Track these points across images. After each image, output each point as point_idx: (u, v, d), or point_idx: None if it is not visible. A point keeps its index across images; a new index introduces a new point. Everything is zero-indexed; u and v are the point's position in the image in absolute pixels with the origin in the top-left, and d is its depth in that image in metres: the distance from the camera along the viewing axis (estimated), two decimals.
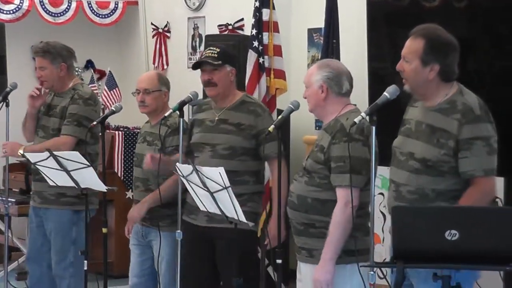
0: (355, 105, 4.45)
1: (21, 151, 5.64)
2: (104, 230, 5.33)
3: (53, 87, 5.91)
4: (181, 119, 4.94)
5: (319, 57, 7.01)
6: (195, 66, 5.14)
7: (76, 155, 5.12)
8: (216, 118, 5.05)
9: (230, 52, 5.24)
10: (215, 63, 5.02)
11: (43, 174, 5.33)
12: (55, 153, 5.10)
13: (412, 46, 4.02)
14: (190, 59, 8.59)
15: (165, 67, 8.87)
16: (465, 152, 3.89)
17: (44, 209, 5.89)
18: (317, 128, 7.04)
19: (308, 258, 4.30)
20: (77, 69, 9.18)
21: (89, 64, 9.36)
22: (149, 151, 5.32)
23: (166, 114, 5.02)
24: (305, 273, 4.36)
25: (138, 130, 7.96)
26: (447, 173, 3.95)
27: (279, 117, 4.44)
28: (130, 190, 7.64)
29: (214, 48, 5.10)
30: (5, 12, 8.43)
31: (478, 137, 3.89)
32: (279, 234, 4.42)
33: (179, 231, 4.97)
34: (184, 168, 4.52)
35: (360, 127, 4.13)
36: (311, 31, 7.50)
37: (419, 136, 4.02)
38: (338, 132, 4.18)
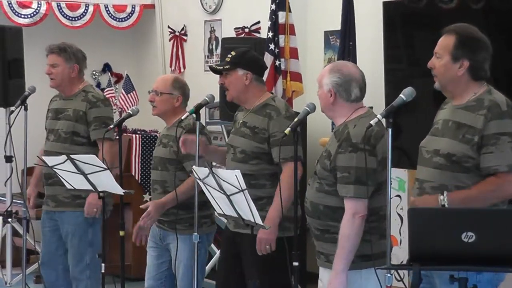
0: (371, 107, 4.43)
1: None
2: (121, 233, 5.34)
3: (60, 86, 5.94)
4: (198, 122, 4.95)
5: (336, 59, 7.00)
6: (214, 72, 5.16)
7: (93, 158, 5.14)
8: (241, 121, 5.07)
9: (247, 55, 5.08)
10: (219, 68, 5.02)
11: (60, 178, 5.35)
12: (72, 156, 5.12)
13: (443, 42, 4.03)
14: (206, 62, 8.60)
15: (182, 70, 8.89)
16: (490, 147, 3.86)
17: (59, 213, 5.92)
18: (333, 130, 7.03)
19: (326, 263, 4.28)
20: (94, 72, 9.25)
21: (106, 68, 9.40)
22: (164, 153, 5.36)
23: (183, 117, 5.02)
24: (323, 277, 4.34)
25: (155, 133, 8.02)
26: (472, 170, 3.92)
27: (295, 119, 4.42)
28: (148, 193, 7.67)
29: (232, 53, 5.09)
30: (22, 16, 8.48)
31: (504, 132, 3.86)
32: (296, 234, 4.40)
33: (195, 233, 4.97)
34: (200, 171, 4.53)
35: (367, 136, 4.07)
36: (327, 34, 7.49)
37: (445, 133, 4.00)
38: (344, 141, 4.14)
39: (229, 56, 5.06)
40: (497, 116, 3.88)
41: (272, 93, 5.33)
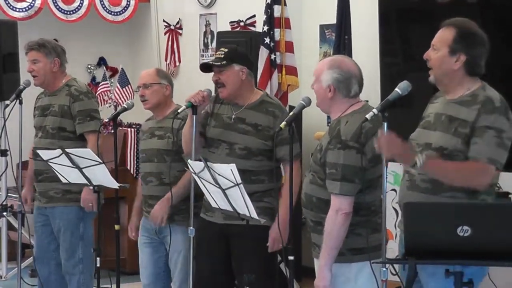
0: (367, 101, 4.43)
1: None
2: (117, 227, 5.35)
3: (44, 83, 5.91)
4: (194, 116, 4.94)
5: (331, 53, 7.00)
6: (203, 69, 5.09)
7: (88, 152, 5.13)
8: (233, 116, 5.03)
9: (239, 51, 5.17)
10: (218, 63, 4.97)
11: (55, 172, 5.34)
12: (67, 150, 5.12)
13: (442, 35, 4.03)
14: (202, 55, 8.60)
15: (177, 64, 8.89)
16: (475, 138, 3.87)
17: (50, 208, 5.90)
18: (329, 124, 7.03)
19: (319, 255, 4.30)
20: (89, 66, 9.23)
21: (102, 62, 9.38)
22: (161, 144, 5.35)
23: (179, 110, 5.01)
24: (317, 268, 4.36)
25: None
26: None
27: (291, 113, 4.43)
28: None
29: (223, 49, 5.08)
30: (17, 9, 8.46)
31: (492, 127, 3.87)
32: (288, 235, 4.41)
33: (191, 227, 4.96)
34: (195, 165, 4.52)
35: (357, 133, 4.09)
36: (323, 27, 7.49)
37: (437, 126, 4.00)
38: (335, 138, 4.15)
39: (222, 52, 5.03)
40: (489, 111, 3.89)
41: (261, 90, 5.30)
